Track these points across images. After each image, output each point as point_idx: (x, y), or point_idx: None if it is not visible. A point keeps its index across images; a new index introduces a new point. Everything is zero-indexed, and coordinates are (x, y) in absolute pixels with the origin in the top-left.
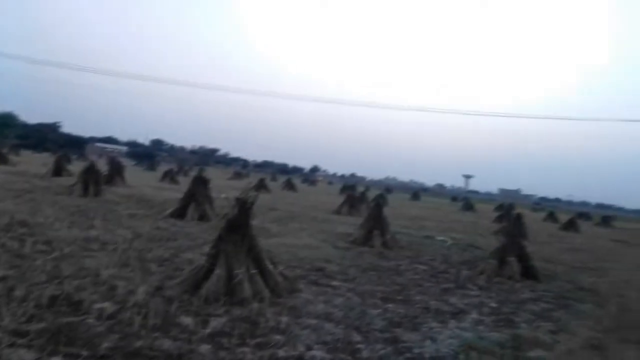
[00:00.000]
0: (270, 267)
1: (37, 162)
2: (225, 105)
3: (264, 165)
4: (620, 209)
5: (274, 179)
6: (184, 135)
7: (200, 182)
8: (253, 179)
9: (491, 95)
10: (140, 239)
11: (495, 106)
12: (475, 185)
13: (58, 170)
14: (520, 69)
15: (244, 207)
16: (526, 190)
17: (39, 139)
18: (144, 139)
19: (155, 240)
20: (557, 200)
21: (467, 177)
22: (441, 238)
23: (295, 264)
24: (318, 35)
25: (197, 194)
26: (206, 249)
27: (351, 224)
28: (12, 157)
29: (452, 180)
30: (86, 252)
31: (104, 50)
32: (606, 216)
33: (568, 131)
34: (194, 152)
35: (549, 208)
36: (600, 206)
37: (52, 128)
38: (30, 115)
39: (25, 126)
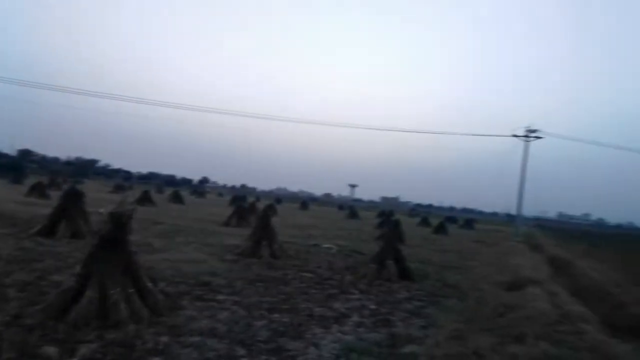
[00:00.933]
0: (150, 285)
1: None
2: (105, 114)
3: (150, 177)
4: (480, 213)
5: (160, 191)
6: (58, 145)
7: (74, 196)
8: (136, 192)
9: (375, 108)
10: None
11: (375, 118)
12: (360, 193)
13: None
14: (396, 84)
15: (119, 222)
16: (404, 197)
17: None
18: (9, 148)
19: (17, 262)
20: (430, 206)
21: (353, 186)
22: (327, 245)
23: (180, 280)
24: (198, 41)
25: (70, 209)
26: (78, 269)
27: (240, 236)
28: None
29: (339, 189)
30: None
31: None
32: (469, 219)
33: (440, 143)
34: (69, 163)
35: (423, 213)
36: (465, 210)
37: None
38: None
39: None
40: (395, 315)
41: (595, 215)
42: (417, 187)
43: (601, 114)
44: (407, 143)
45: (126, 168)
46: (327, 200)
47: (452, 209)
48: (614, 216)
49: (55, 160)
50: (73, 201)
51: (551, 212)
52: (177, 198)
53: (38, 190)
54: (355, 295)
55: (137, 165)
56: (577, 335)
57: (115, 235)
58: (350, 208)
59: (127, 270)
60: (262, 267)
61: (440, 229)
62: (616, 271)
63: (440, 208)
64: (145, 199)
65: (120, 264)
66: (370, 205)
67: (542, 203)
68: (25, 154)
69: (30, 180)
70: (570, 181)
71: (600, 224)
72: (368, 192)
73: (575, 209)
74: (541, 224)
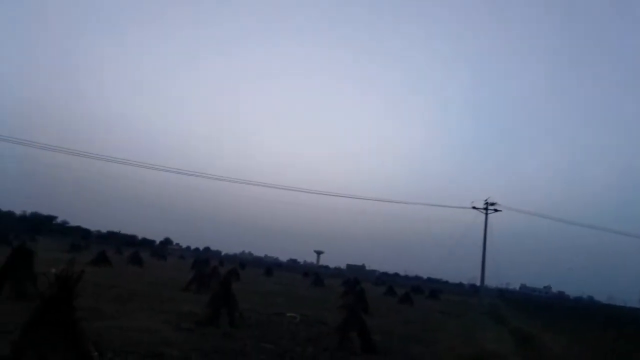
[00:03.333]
0: (95, 354)
1: None
2: (63, 169)
3: (109, 237)
4: (446, 283)
5: (119, 252)
6: (13, 199)
7: (22, 255)
8: (93, 252)
9: (338, 175)
10: None
11: (340, 187)
12: (326, 260)
13: None
14: (364, 155)
15: (65, 285)
16: (370, 265)
17: None
18: None
19: None
20: (396, 275)
21: (319, 252)
22: (290, 314)
23: (131, 350)
24: (168, 100)
25: (17, 268)
26: (15, 335)
27: (199, 302)
28: None
29: (305, 255)
30: None
31: None
32: (434, 290)
33: (405, 212)
34: (24, 218)
35: (389, 283)
36: (430, 280)
37: None
38: None
39: None
40: None
41: (556, 288)
42: (383, 255)
43: (562, 189)
44: (373, 211)
45: (85, 226)
46: (292, 266)
47: (417, 278)
48: (574, 289)
49: (9, 214)
50: (21, 260)
51: (514, 284)
52: (136, 260)
53: None
54: None
55: (97, 223)
56: None
57: (60, 300)
58: (315, 275)
59: (69, 338)
60: (220, 338)
61: (406, 299)
62: (577, 344)
63: (406, 277)
64: (101, 260)
65: (63, 331)
66: (337, 272)
67: (505, 275)
68: None
69: None
70: (531, 254)
71: (560, 297)
72: (334, 259)
73: (536, 281)
74: (504, 295)
